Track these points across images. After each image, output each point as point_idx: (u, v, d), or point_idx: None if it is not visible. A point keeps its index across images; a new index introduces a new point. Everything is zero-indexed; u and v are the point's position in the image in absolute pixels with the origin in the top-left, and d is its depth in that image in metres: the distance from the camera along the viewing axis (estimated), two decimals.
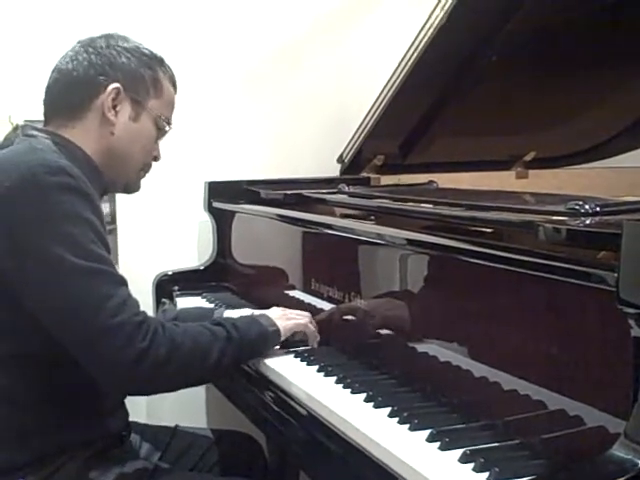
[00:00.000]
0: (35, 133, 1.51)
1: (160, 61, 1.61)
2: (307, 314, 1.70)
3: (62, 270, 1.34)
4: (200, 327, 1.50)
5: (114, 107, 1.53)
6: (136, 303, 1.41)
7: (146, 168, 1.64)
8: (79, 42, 1.57)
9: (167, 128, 1.62)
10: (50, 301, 1.36)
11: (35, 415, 1.44)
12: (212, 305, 2.16)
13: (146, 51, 1.59)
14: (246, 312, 1.85)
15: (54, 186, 1.36)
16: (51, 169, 1.37)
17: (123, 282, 1.41)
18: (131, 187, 1.65)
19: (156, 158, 1.65)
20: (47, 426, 1.44)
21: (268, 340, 1.60)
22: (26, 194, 1.36)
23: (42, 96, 1.56)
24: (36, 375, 1.43)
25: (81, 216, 1.37)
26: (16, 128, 1.56)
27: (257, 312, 1.69)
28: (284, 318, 1.64)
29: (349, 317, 1.68)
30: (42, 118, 1.57)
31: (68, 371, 1.40)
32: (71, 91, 1.54)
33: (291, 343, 1.67)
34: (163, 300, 2.35)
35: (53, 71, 1.57)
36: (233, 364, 1.56)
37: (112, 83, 1.52)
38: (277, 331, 1.61)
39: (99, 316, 1.34)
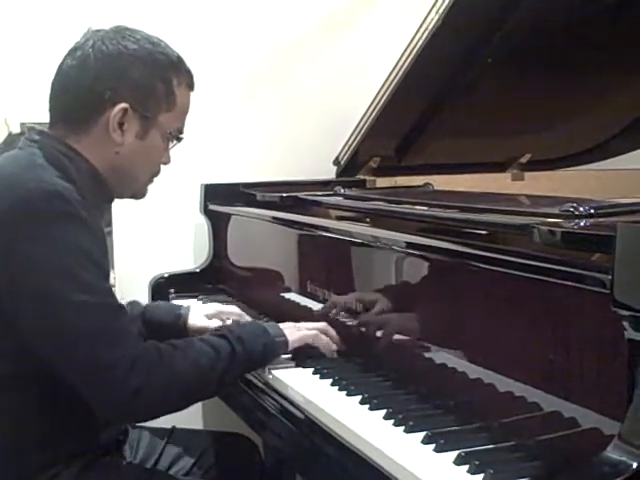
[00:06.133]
0: (39, 139, 1.47)
1: (176, 66, 1.51)
2: (321, 324, 1.66)
3: (57, 304, 1.32)
4: (203, 344, 1.47)
5: (120, 127, 1.46)
6: (133, 332, 1.39)
7: (154, 175, 1.60)
8: (89, 39, 1.47)
9: (176, 142, 1.56)
10: (46, 334, 1.35)
11: (34, 429, 1.43)
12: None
13: (160, 57, 1.49)
14: (211, 306, 1.88)
15: (50, 214, 1.33)
16: (48, 194, 1.34)
17: (120, 311, 1.39)
18: (138, 195, 1.61)
19: (165, 163, 1.59)
20: (46, 439, 1.44)
21: (274, 351, 1.57)
22: (21, 223, 1.33)
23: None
24: (34, 392, 1.42)
25: (77, 245, 1.35)
26: (21, 133, 1.53)
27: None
28: (294, 329, 1.61)
29: (344, 319, 1.68)
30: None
31: (66, 387, 1.37)
32: (76, 102, 1.47)
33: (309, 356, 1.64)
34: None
35: (59, 70, 1.49)
36: (237, 378, 1.57)
37: (120, 102, 1.45)
38: (284, 342, 1.57)
39: (95, 351, 1.33)
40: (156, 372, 1.36)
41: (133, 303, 1.89)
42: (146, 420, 1.60)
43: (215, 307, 1.88)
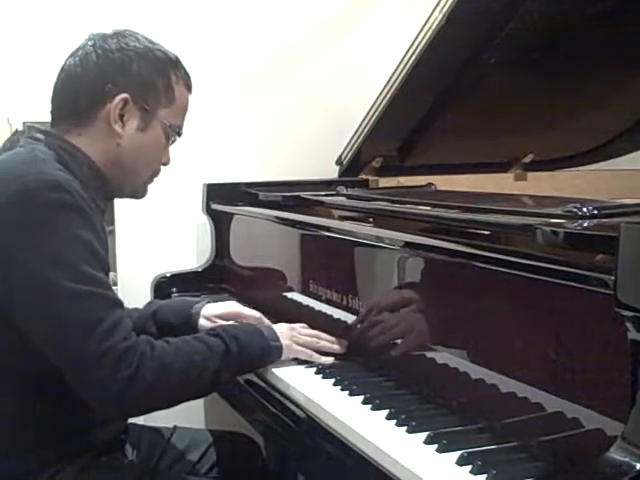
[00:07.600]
0: (40, 136, 1.48)
1: (174, 64, 1.56)
2: (314, 333, 1.66)
3: (52, 293, 1.32)
4: (196, 342, 1.47)
5: (121, 118, 1.49)
6: (127, 325, 1.38)
7: (154, 174, 1.61)
8: (90, 39, 1.52)
9: (176, 138, 1.58)
10: (39, 324, 1.35)
11: (35, 429, 1.43)
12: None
13: (159, 54, 1.53)
14: (227, 305, 1.83)
15: (49, 203, 1.34)
16: (48, 184, 1.35)
17: (116, 304, 1.38)
18: (138, 193, 1.62)
19: (165, 163, 1.61)
20: (47, 438, 1.44)
21: (269, 355, 1.57)
22: (21, 213, 1.34)
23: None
24: (34, 390, 1.42)
25: (76, 235, 1.35)
26: (22, 131, 1.54)
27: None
28: (290, 338, 1.60)
29: (346, 319, 1.68)
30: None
31: (66, 384, 1.37)
32: (78, 97, 1.50)
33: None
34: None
35: (61, 70, 1.52)
36: (231, 378, 1.55)
37: (120, 93, 1.48)
38: (279, 347, 1.57)
39: (87, 342, 1.32)
40: (147, 364, 1.36)
41: (151, 303, 1.89)
42: (136, 414, 1.59)
43: (233, 306, 1.83)
